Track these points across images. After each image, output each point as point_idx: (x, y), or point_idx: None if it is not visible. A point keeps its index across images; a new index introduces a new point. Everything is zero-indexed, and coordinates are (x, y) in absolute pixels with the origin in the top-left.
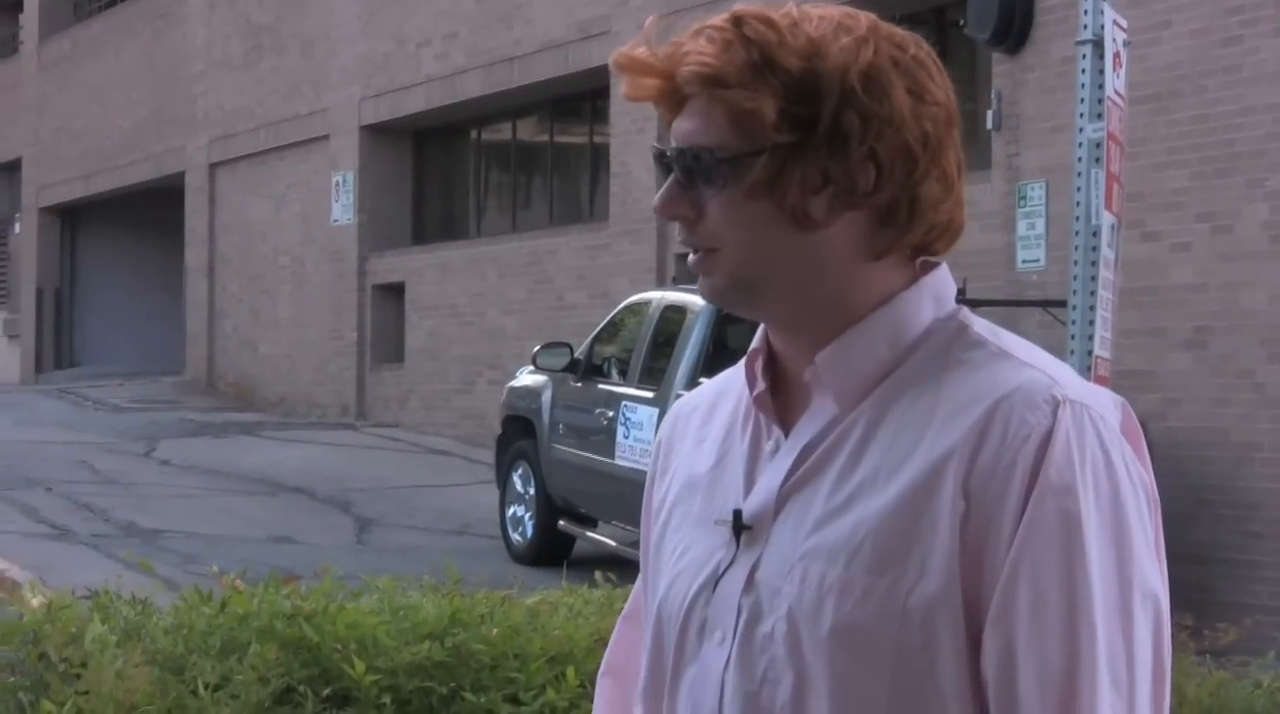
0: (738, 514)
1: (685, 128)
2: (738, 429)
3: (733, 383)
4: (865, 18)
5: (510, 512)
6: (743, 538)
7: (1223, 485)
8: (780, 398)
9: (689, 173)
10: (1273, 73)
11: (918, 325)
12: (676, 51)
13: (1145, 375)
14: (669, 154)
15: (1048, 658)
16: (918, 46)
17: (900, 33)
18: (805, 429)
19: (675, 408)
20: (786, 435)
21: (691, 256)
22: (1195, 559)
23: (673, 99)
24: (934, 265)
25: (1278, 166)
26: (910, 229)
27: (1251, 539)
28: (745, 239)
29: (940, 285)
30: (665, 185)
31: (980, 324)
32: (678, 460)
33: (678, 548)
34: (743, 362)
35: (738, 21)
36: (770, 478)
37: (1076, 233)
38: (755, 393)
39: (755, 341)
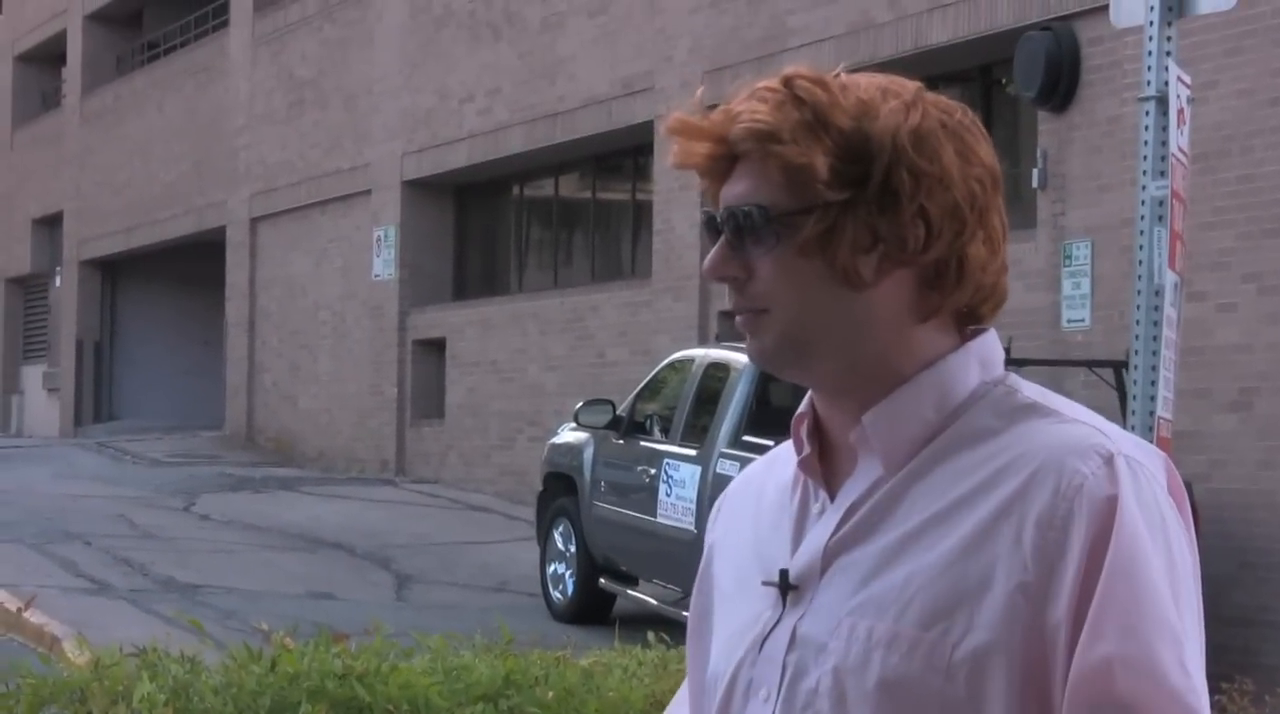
0: (784, 574)
1: (736, 190)
2: (786, 495)
3: (782, 454)
4: (911, 84)
5: (551, 569)
6: (789, 597)
7: (1268, 547)
8: (826, 462)
9: (739, 233)
10: None
11: (964, 388)
12: (728, 114)
13: (1191, 436)
14: (720, 217)
15: (1147, 662)
16: (963, 113)
17: (945, 100)
18: (851, 490)
19: (729, 487)
20: (833, 498)
21: (739, 318)
22: (1241, 622)
23: (722, 164)
24: (980, 333)
25: None
26: (958, 290)
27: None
28: (796, 298)
29: (987, 350)
30: (715, 247)
31: (1029, 387)
32: (730, 539)
33: (727, 614)
34: (795, 422)
35: (789, 82)
36: (816, 537)
37: (1139, 292)
38: (801, 457)
39: (801, 407)
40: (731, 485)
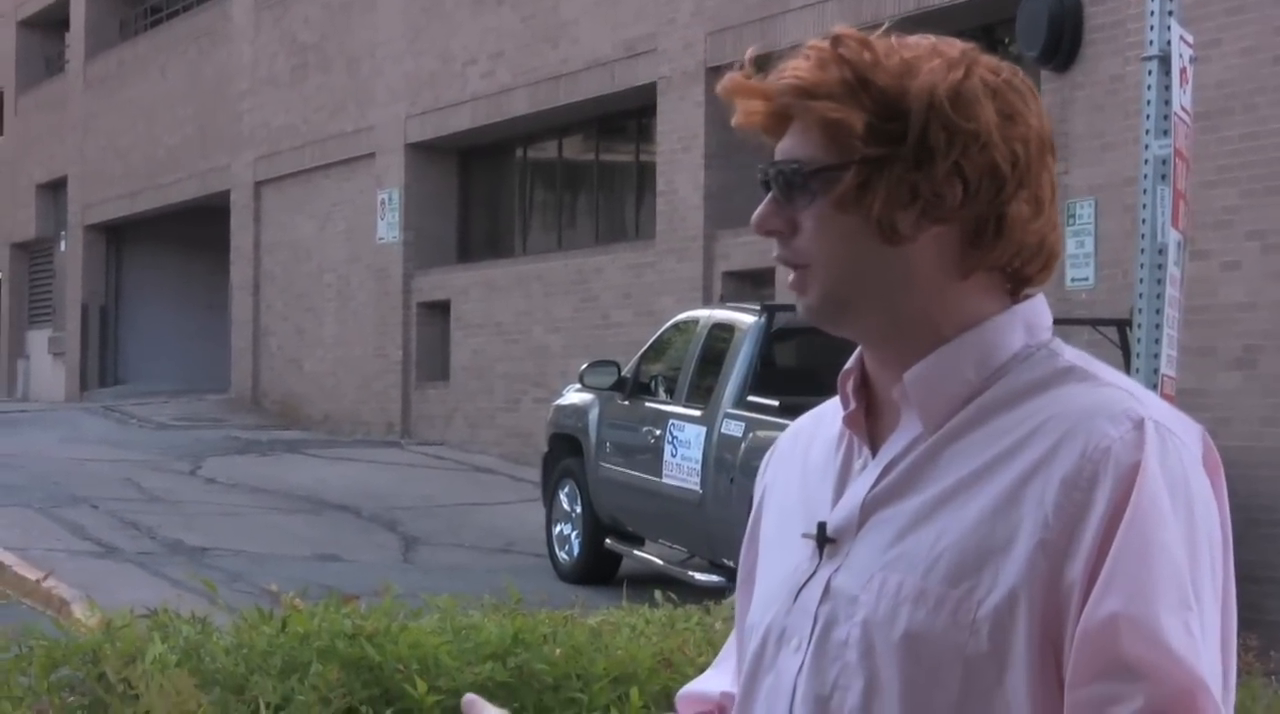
0: (821, 527)
1: (784, 147)
2: (832, 449)
3: (830, 409)
4: (961, 45)
5: (556, 530)
6: (825, 550)
7: (1273, 504)
8: (872, 418)
9: (784, 188)
10: None
11: (1007, 350)
12: (779, 73)
13: (1195, 394)
14: (773, 172)
15: (1149, 623)
16: (1012, 73)
17: (996, 61)
18: (891, 447)
19: (778, 441)
20: (875, 455)
21: (790, 277)
22: (1246, 578)
23: (777, 122)
24: (1030, 297)
25: None
26: (997, 248)
27: None
28: (834, 252)
29: (1034, 314)
30: (765, 201)
31: (1070, 352)
32: (778, 490)
33: (768, 565)
34: (841, 380)
35: (836, 41)
36: (855, 493)
37: (1142, 251)
38: (847, 413)
39: (849, 364)
40: (780, 439)
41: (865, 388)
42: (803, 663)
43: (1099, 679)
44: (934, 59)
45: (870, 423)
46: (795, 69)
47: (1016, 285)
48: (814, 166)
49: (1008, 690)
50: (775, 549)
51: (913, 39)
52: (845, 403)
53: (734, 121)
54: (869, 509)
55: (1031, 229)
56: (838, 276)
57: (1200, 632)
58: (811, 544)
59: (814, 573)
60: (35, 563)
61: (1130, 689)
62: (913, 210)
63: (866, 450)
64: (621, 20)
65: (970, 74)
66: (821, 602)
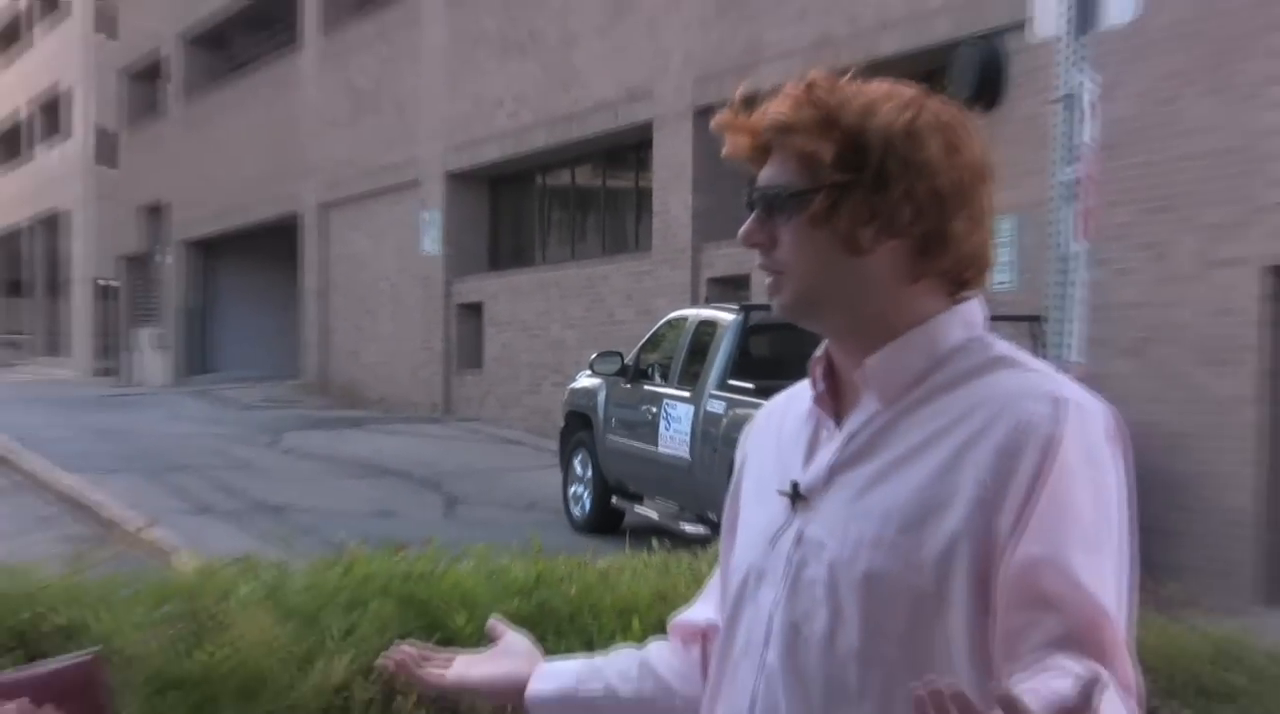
0: (795, 486)
1: (766, 174)
2: (803, 423)
3: (799, 391)
4: (915, 90)
5: (571, 490)
6: (798, 506)
7: (1156, 466)
8: (836, 398)
9: (767, 208)
10: (1201, 128)
11: (949, 342)
12: (763, 113)
13: (1097, 377)
14: (756, 195)
15: (1063, 564)
16: (956, 112)
17: (943, 103)
18: (853, 421)
19: (756, 416)
20: (839, 427)
21: (768, 281)
22: (1142, 529)
23: (760, 153)
24: (968, 299)
25: (1205, 206)
26: (941, 258)
27: (1180, 512)
28: (806, 261)
29: (971, 313)
30: (750, 219)
31: (1001, 344)
32: (755, 457)
33: (749, 517)
34: (810, 366)
35: (810, 86)
36: (823, 458)
37: (1051, 259)
38: (816, 393)
39: (817, 353)
40: (758, 414)
41: (831, 373)
42: (778, 596)
43: (1022, 609)
44: (890, 101)
45: (835, 401)
46: (776, 109)
47: (957, 288)
48: (791, 190)
49: (948, 619)
50: (754, 505)
51: (873, 84)
52: (815, 385)
53: (724, 152)
54: (835, 471)
55: (970, 242)
56: (810, 281)
57: (1104, 572)
58: (786, 500)
59: (789, 524)
60: (143, 519)
61: (1047, 617)
62: (872, 227)
63: (832, 424)
64: (623, 69)
65: (920, 113)
66: (795, 547)
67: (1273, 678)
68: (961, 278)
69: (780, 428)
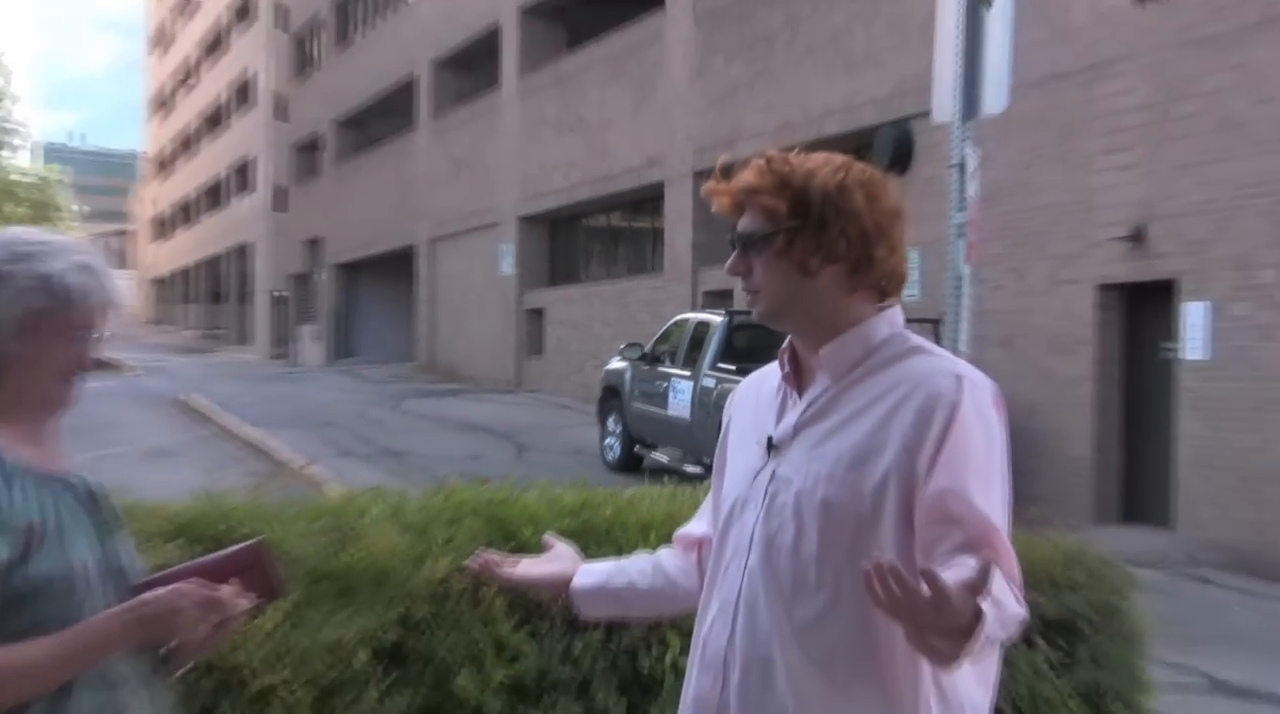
0: (770, 439)
1: (742, 223)
2: (773, 394)
3: (770, 370)
4: (844, 158)
5: (606, 441)
6: (772, 453)
7: (1020, 427)
8: (798, 376)
9: (745, 247)
10: (1049, 187)
11: (878, 337)
12: (738, 180)
13: (976, 362)
14: (736, 238)
15: (958, 514)
16: (874, 174)
17: (865, 167)
18: (811, 392)
19: (741, 384)
20: (800, 397)
21: (749, 298)
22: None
23: (737, 208)
24: (891, 306)
25: (1052, 242)
26: (869, 276)
27: (1036, 458)
28: (773, 283)
29: (894, 316)
30: (733, 256)
31: (915, 337)
32: (738, 417)
33: (735, 462)
34: (779, 354)
35: (769, 160)
36: (789, 419)
37: (948, 278)
38: (785, 373)
39: (785, 344)
40: (738, 387)
41: (794, 359)
42: (758, 517)
43: (935, 525)
44: (826, 167)
45: (798, 379)
46: (745, 178)
47: (882, 298)
48: (760, 234)
49: (881, 533)
50: (739, 452)
51: (815, 155)
52: (783, 367)
53: (713, 210)
54: (799, 428)
55: (889, 264)
56: (777, 298)
57: (993, 497)
58: (763, 449)
59: (765, 465)
60: (303, 459)
61: (953, 530)
62: (817, 257)
63: (796, 395)
64: (643, 144)
65: (848, 175)
66: (770, 482)
67: (1101, 573)
68: (884, 290)
69: (756, 397)
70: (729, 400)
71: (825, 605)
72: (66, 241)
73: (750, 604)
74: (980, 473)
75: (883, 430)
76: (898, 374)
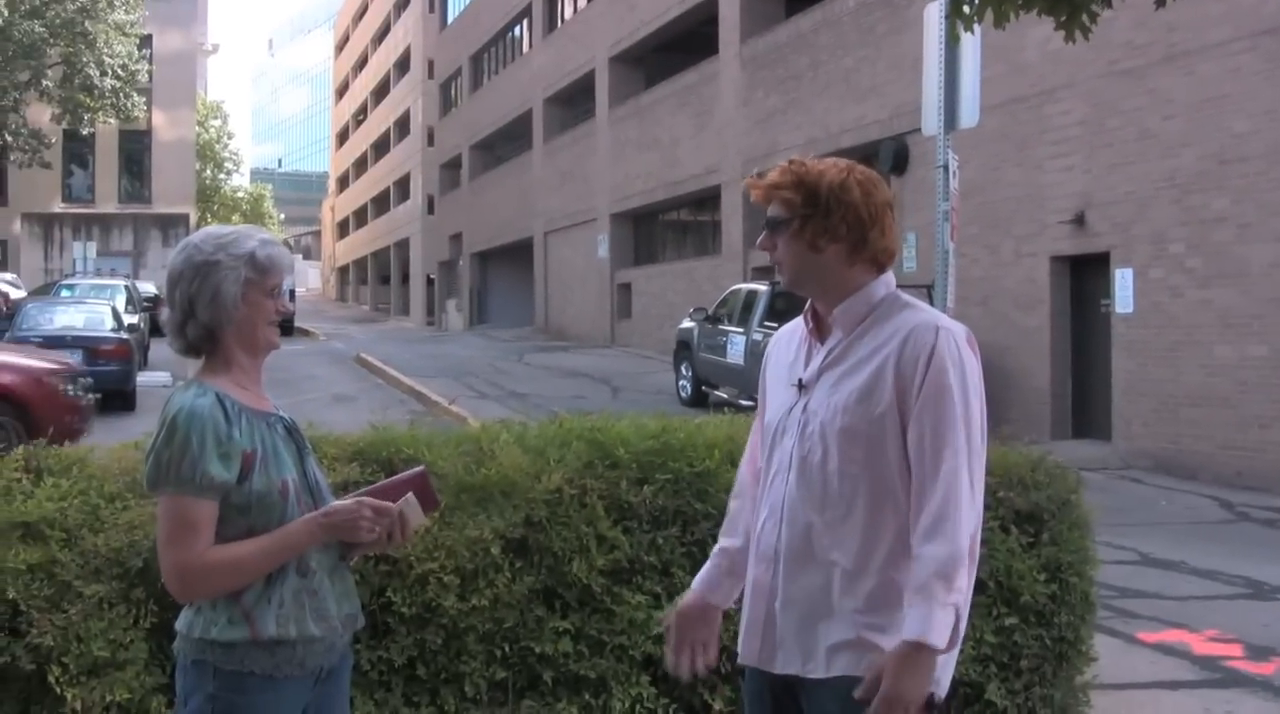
0: (800, 381)
1: (770, 211)
2: (802, 344)
3: (798, 325)
4: (846, 162)
5: (680, 383)
6: (801, 391)
7: (994, 367)
8: (819, 330)
9: (771, 230)
10: (1012, 183)
11: (877, 297)
12: (766, 178)
13: (960, 317)
14: (766, 222)
15: (936, 434)
16: (869, 174)
17: (865, 169)
18: (829, 343)
19: (773, 337)
20: (822, 346)
21: (776, 270)
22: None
23: (767, 199)
24: (885, 272)
25: (1015, 224)
26: (865, 252)
27: (1008, 391)
28: (792, 259)
29: (889, 280)
30: (763, 235)
31: (906, 296)
32: (773, 361)
33: (773, 399)
34: (803, 313)
35: (790, 163)
36: (814, 364)
37: (937, 253)
38: (809, 328)
39: (808, 305)
40: (774, 338)
41: (815, 316)
42: (793, 442)
43: (917, 443)
44: (833, 169)
45: (819, 332)
46: (772, 176)
47: (878, 268)
48: (781, 219)
49: (888, 449)
50: (777, 389)
51: (827, 159)
52: (806, 323)
53: (751, 200)
54: (822, 371)
55: (881, 243)
56: (794, 270)
57: (973, 431)
58: (794, 389)
59: (798, 401)
60: (448, 400)
61: (933, 445)
62: (824, 238)
63: (818, 345)
64: (704, 157)
65: (850, 175)
66: (802, 415)
67: (1058, 475)
68: (879, 263)
69: (788, 346)
70: (766, 348)
71: (846, 507)
72: (247, 228)
73: (792, 508)
74: (956, 405)
75: (881, 372)
76: (892, 326)
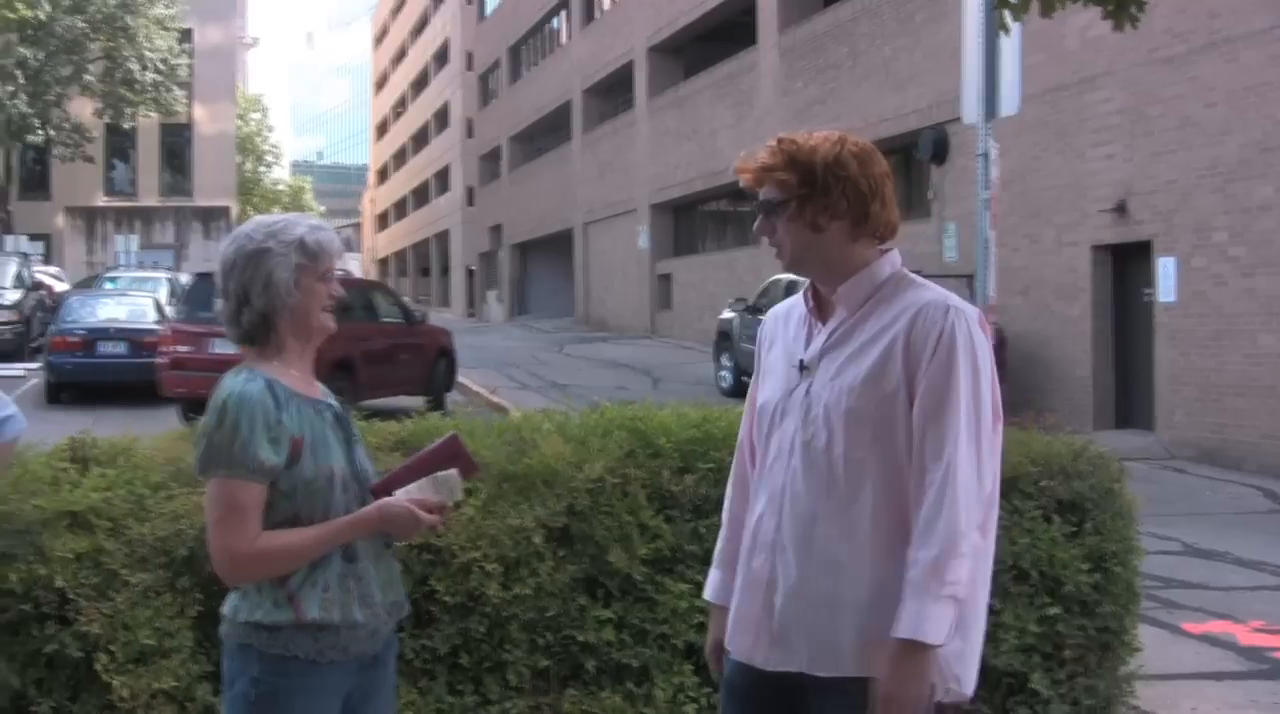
0: (801, 361)
1: (764, 194)
2: (799, 324)
3: (796, 303)
4: (839, 134)
5: (720, 373)
6: (803, 373)
7: (1037, 356)
8: (821, 309)
9: (767, 212)
10: (1052, 171)
11: (882, 276)
12: (755, 159)
13: (1002, 307)
14: (759, 206)
15: (939, 420)
16: (864, 146)
17: (858, 139)
18: (831, 323)
19: (770, 313)
20: (824, 326)
21: (776, 252)
22: (1027, 388)
23: (759, 181)
24: (890, 249)
25: (1056, 213)
26: (867, 228)
27: (1051, 380)
28: (793, 240)
29: (894, 257)
30: (759, 220)
31: (911, 275)
32: (773, 338)
33: (771, 379)
34: (803, 292)
35: (780, 142)
36: (816, 345)
37: (977, 242)
38: (810, 307)
39: (806, 285)
40: (769, 316)
41: (816, 295)
42: (797, 425)
43: (922, 425)
44: (825, 143)
45: (819, 311)
46: (761, 157)
47: (882, 243)
48: (777, 201)
49: (897, 432)
50: (773, 372)
51: (817, 134)
52: (807, 302)
53: (740, 185)
54: (824, 352)
55: (882, 217)
56: (796, 252)
57: (978, 408)
58: (796, 370)
59: (799, 383)
60: (490, 389)
61: (927, 443)
62: (825, 216)
63: (820, 325)
64: (742, 147)
65: (843, 148)
66: (804, 398)
67: (1101, 465)
68: (882, 237)
69: (786, 325)
70: (761, 327)
71: (853, 491)
72: (296, 215)
73: (794, 495)
74: (960, 387)
75: (890, 352)
76: (900, 305)
